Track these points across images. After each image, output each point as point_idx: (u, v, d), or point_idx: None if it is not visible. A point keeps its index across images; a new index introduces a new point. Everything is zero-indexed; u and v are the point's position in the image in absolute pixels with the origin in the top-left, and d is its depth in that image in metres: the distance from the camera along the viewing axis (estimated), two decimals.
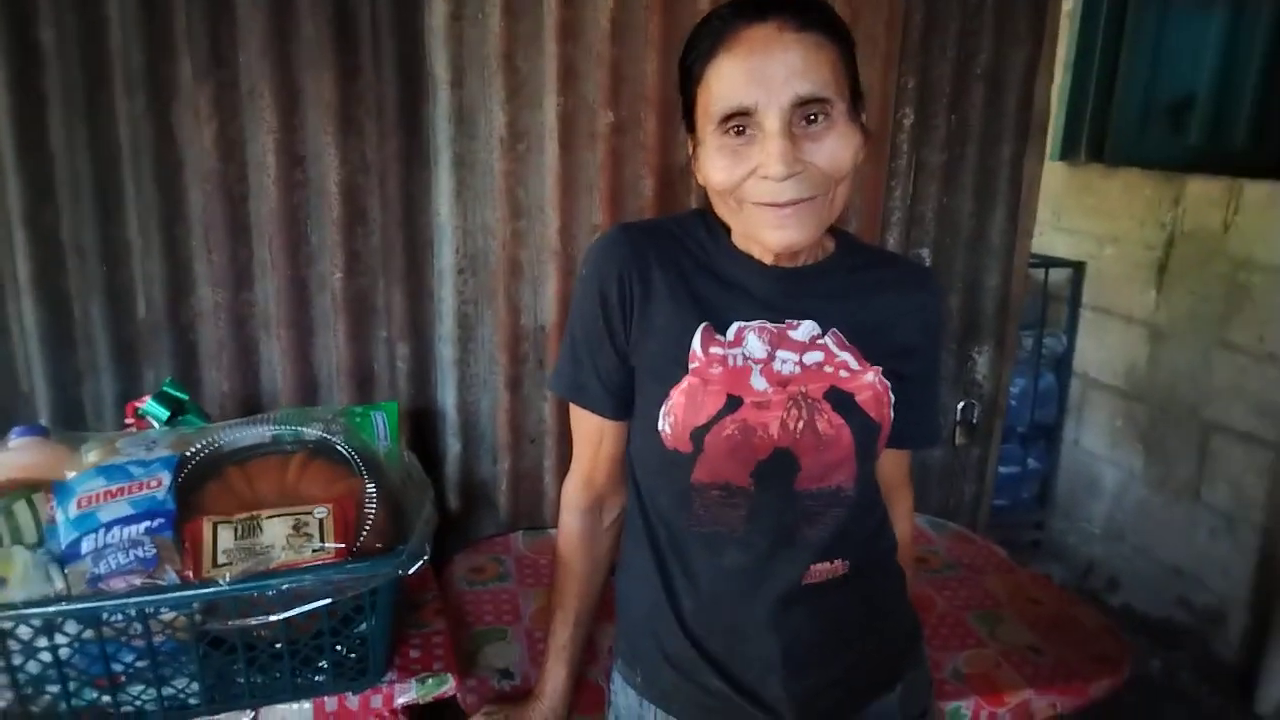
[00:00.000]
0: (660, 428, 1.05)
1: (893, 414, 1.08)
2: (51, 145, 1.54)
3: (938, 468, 2.18)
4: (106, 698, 1.09)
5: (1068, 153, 3.30)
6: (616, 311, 1.07)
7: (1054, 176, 3.22)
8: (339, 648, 1.16)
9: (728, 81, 0.94)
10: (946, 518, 2.04)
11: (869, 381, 1.06)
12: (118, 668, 1.08)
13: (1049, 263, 3.27)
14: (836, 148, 0.94)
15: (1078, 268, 3.31)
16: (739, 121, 0.94)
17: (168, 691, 1.11)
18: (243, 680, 1.13)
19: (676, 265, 1.07)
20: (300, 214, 1.67)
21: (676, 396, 1.04)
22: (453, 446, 1.82)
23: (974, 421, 2.21)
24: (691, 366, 1.04)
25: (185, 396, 1.45)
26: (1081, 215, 3.32)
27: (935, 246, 2.05)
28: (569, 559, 1.21)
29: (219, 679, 1.13)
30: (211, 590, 1.04)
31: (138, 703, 1.11)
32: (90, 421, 1.64)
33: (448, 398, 1.80)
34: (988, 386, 2.17)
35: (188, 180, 1.61)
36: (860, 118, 0.98)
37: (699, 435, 1.03)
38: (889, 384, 1.07)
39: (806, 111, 0.93)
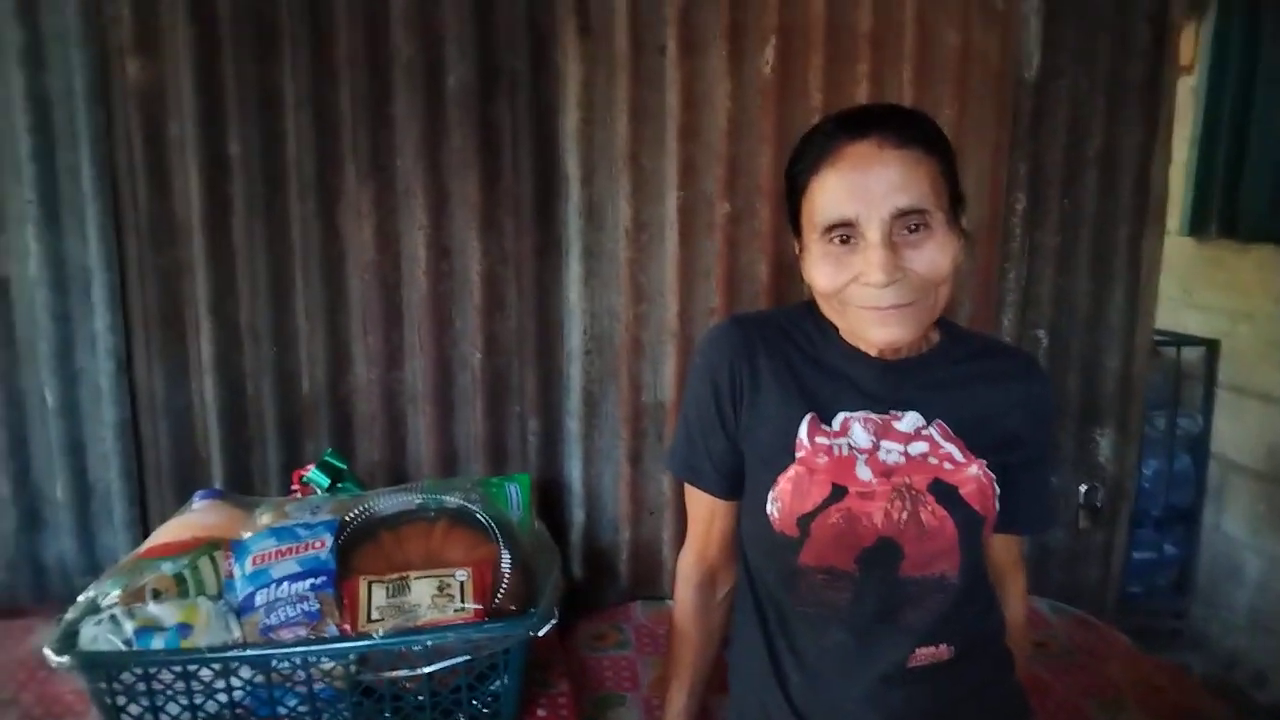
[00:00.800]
0: (768, 511, 1.10)
1: (998, 504, 1.10)
2: (235, 244, 1.76)
3: (1060, 551, 2.16)
4: None
5: (1197, 228, 3.23)
6: (727, 399, 1.14)
7: (1183, 252, 3.16)
8: (474, 703, 1.26)
9: (831, 195, 1.00)
10: (1070, 602, 2.01)
11: (973, 474, 1.08)
12: (282, 710, 1.21)
13: (1181, 341, 3.18)
14: (935, 255, 1.00)
15: (1211, 346, 3.21)
16: (842, 231, 1.00)
17: None
18: None
19: (784, 356, 1.13)
20: (446, 301, 1.84)
21: (784, 483, 1.09)
22: (577, 516, 1.93)
23: (1098, 505, 2.18)
24: (798, 455, 1.09)
25: (344, 466, 1.61)
26: (1213, 291, 3.23)
27: (1051, 328, 2.06)
28: (684, 630, 1.26)
29: None
30: (367, 643, 1.16)
31: None
32: (257, 486, 1.81)
33: (573, 470, 1.92)
34: (1111, 469, 2.15)
35: (349, 271, 1.80)
36: (960, 221, 1.04)
37: (805, 522, 1.08)
38: (994, 476, 1.09)
39: (907, 221, 0.99)
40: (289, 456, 1.83)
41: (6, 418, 1.74)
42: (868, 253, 0.98)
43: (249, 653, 1.15)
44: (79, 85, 1.67)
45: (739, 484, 1.18)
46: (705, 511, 1.22)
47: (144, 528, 1.81)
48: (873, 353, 1.10)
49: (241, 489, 1.75)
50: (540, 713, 1.36)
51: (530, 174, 1.82)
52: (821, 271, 1.03)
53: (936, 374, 1.12)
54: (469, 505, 1.39)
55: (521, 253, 1.85)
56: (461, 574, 1.26)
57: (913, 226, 0.99)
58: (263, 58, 1.72)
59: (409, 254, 1.82)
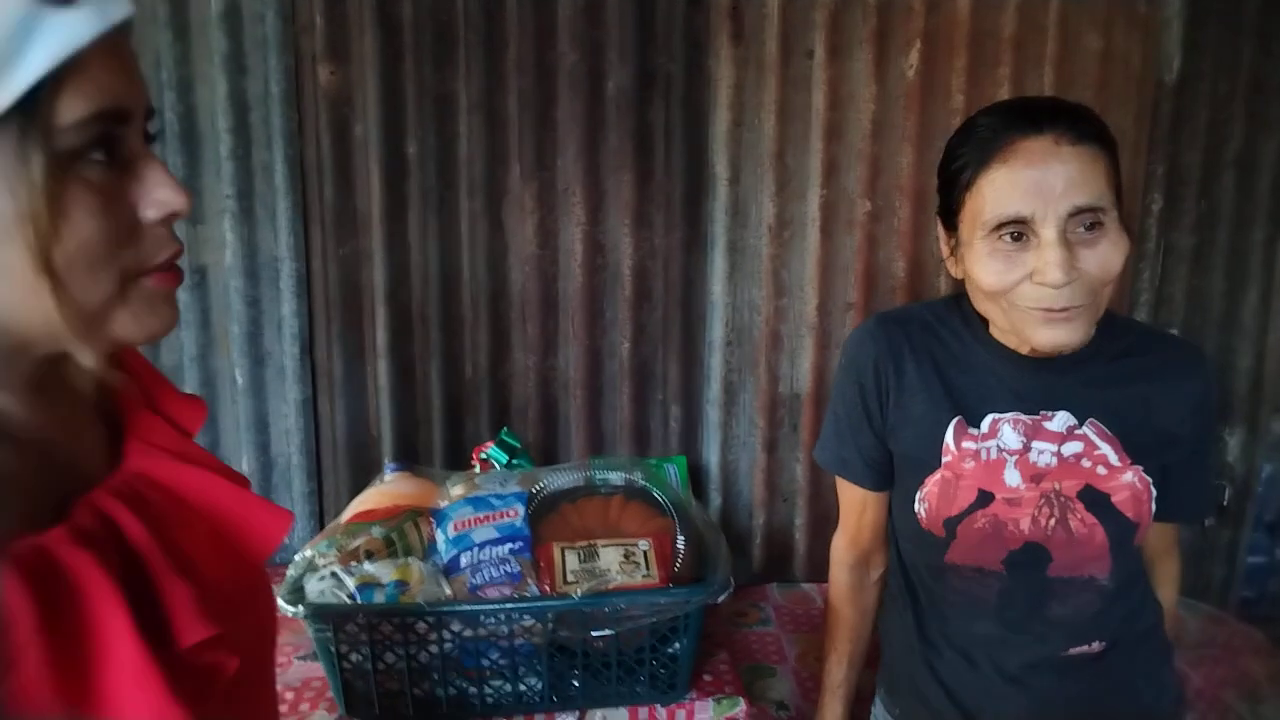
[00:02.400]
0: (916, 509, 1.14)
1: (1154, 506, 1.09)
2: (409, 236, 1.90)
3: (1185, 548, 2.18)
4: (472, 688, 1.35)
5: None
6: (874, 398, 1.15)
7: None
8: (655, 663, 1.36)
9: (1004, 191, 0.97)
10: (1193, 599, 2.03)
11: (1127, 481, 1.07)
12: (485, 663, 1.33)
13: None
14: (1109, 254, 0.96)
15: None
16: (1014, 228, 0.97)
17: (520, 688, 1.35)
18: (577, 684, 1.36)
19: (930, 355, 1.13)
20: (599, 293, 1.95)
21: (930, 485, 1.12)
22: (714, 500, 2.03)
23: (1224, 504, 2.20)
24: (944, 460, 1.10)
25: (518, 444, 1.74)
26: None
27: (1184, 327, 2.09)
28: (840, 608, 1.32)
29: (558, 681, 1.36)
30: (567, 603, 1.28)
31: (493, 695, 1.35)
32: (423, 461, 1.95)
33: (712, 456, 2.02)
34: (1239, 469, 2.16)
35: (511, 264, 1.93)
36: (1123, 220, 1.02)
37: (951, 524, 1.11)
38: (1150, 480, 1.08)
39: (1082, 220, 0.96)
40: (452, 435, 1.97)
41: (203, 395, 1.91)
42: (1044, 251, 0.95)
43: (462, 608, 1.27)
44: (275, 89, 1.82)
45: (888, 477, 1.21)
46: (856, 501, 1.25)
47: (319, 499, 1.96)
48: (1024, 350, 1.08)
49: (408, 463, 1.88)
50: (706, 677, 1.47)
51: (681, 173, 1.92)
52: (989, 269, 0.99)
53: (1091, 371, 1.08)
54: (645, 483, 1.50)
55: (670, 248, 1.95)
56: (644, 544, 1.37)
57: (1088, 224, 0.96)
58: (440, 64, 1.85)
59: (566, 248, 1.93)
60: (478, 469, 1.71)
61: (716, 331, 1.98)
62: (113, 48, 0.54)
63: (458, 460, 1.94)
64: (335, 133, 1.85)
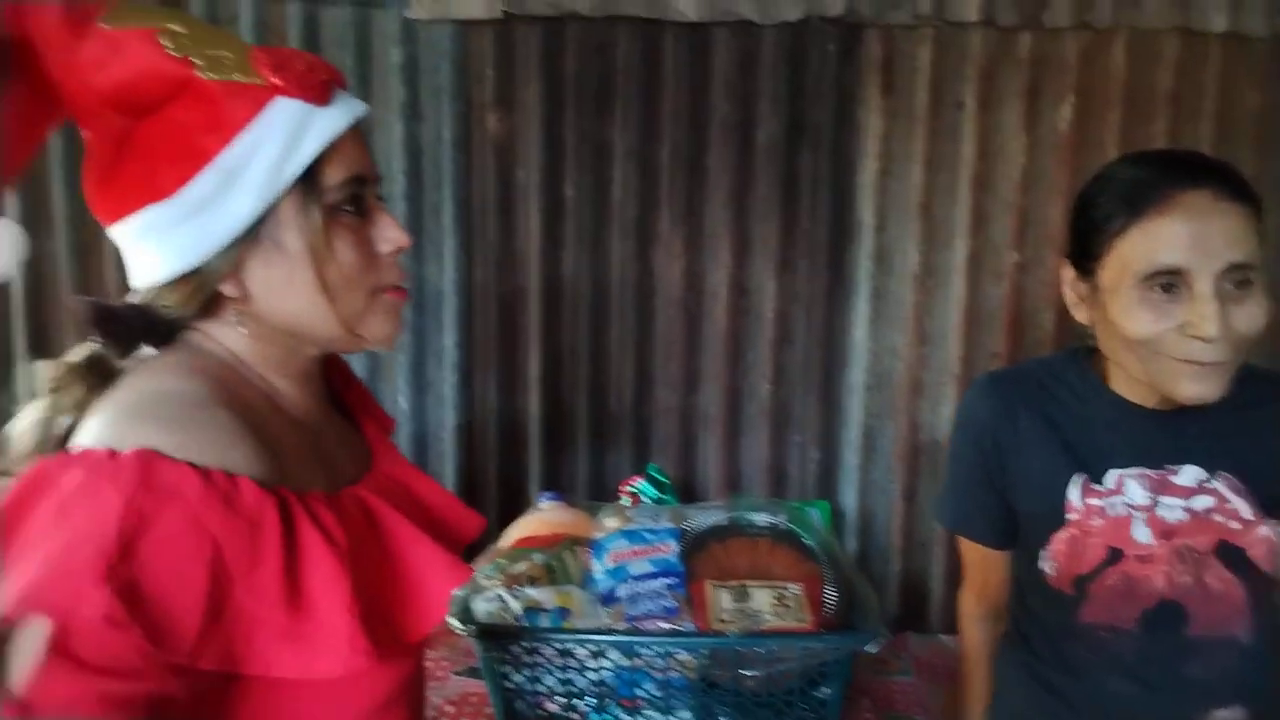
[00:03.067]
0: (1042, 567, 1.12)
1: None
2: (564, 276, 1.99)
3: None
4: (626, 717, 1.40)
5: None
6: (992, 459, 1.15)
7: None
8: (804, 706, 1.40)
9: (1162, 242, 0.96)
10: None
11: (1263, 535, 1.04)
12: (639, 692, 1.39)
13: None
14: (1256, 312, 0.96)
15: None
16: (1167, 279, 0.97)
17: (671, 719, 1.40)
18: None
19: (1046, 414, 1.12)
20: (741, 334, 2.00)
21: (1056, 544, 1.10)
22: (851, 545, 2.05)
23: None
24: (1070, 518, 1.09)
25: (666, 480, 1.80)
26: None
27: None
28: (976, 665, 1.31)
29: (707, 716, 1.40)
30: (723, 641, 1.33)
31: None
32: (566, 490, 2.03)
33: (849, 500, 2.04)
34: None
35: (657, 305, 2.00)
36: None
37: (1082, 582, 1.09)
38: None
39: (1235, 276, 0.95)
40: (596, 467, 2.04)
41: None
42: (1198, 305, 0.95)
43: (623, 638, 1.33)
44: (446, 135, 1.94)
45: (1011, 535, 1.20)
46: (981, 559, 1.25)
47: (487, 520, 2.06)
48: (1151, 403, 1.07)
49: (562, 493, 1.97)
50: None
51: (826, 221, 1.97)
52: (1138, 318, 0.99)
53: (1218, 422, 1.06)
54: (790, 525, 1.54)
55: (813, 293, 1.99)
56: (794, 588, 1.40)
57: (1239, 282, 0.96)
58: (599, 114, 1.94)
59: (711, 291, 2.00)
60: (625, 501, 1.78)
61: (857, 376, 2.00)
62: (354, 133, 0.77)
63: (600, 491, 2.01)
64: (500, 176, 1.96)
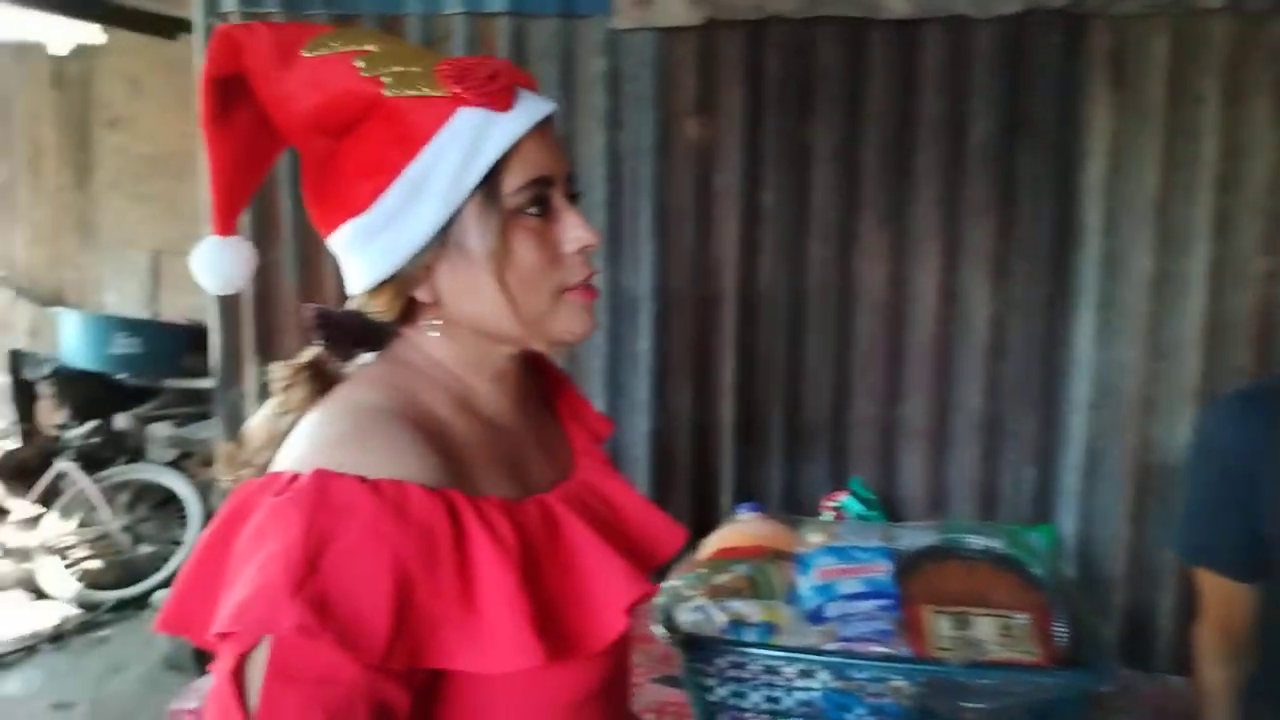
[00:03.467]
0: None
1: None
2: (760, 281, 1.96)
3: None
4: None
5: None
6: (1240, 483, 1.06)
7: None
8: None
9: None
10: None
11: None
12: (848, 717, 1.33)
13: None
14: None
15: None
16: None
17: None
18: None
19: None
20: (949, 343, 1.90)
21: None
22: (1067, 572, 1.90)
23: None
24: None
25: (873, 497, 1.73)
26: None
27: None
28: (1217, 709, 1.20)
29: None
30: (945, 669, 1.25)
31: None
32: (760, 501, 1.99)
33: (1067, 524, 1.90)
34: None
35: (859, 311, 1.93)
36: None
37: None
38: None
39: None
40: (790, 479, 1.99)
41: None
42: None
43: (834, 659, 1.28)
44: (646, 142, 1.95)
45: (1258, 567, 1.10)
46: (1219, 592, 1.15)
47: None
48: None
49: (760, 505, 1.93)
50: None
51: (1047, 224, 1.84)
52: None
53: None
54: (1011, 550, 1.44)
55: (1031, 301, 1.87)
56: (1022, 618, 1.31)
57: None
58: (801, 116, 1.90)
59: (917, 297, 1.91)
60: (828, 517, 1.72)
61: (1080, 391, 1.86)
62: (539, 134, 0.76)
63: (794, 504, 1.96)
64: (698, 182, 1.95)
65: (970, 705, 1.26)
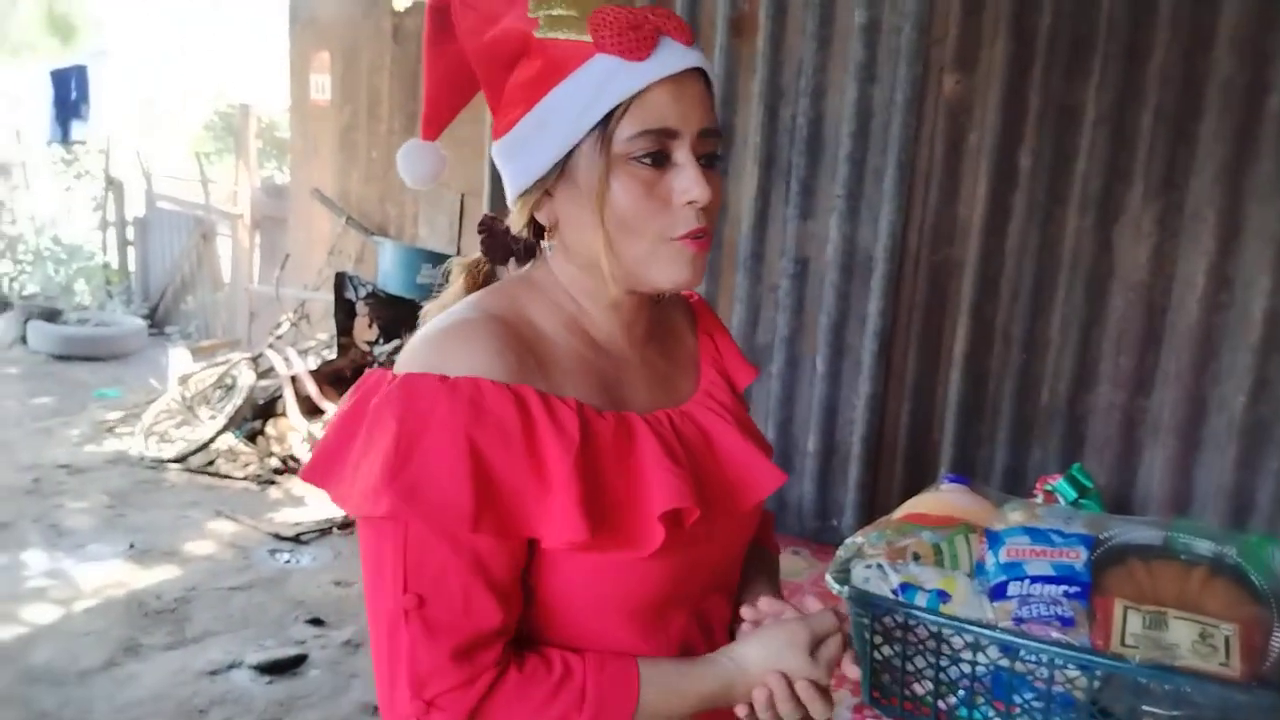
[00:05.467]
0: None
1: None
2: (1006, 250, 1.86)
3: None
4: (997, 719, 1.30)
5: None
6: None
7: None
8: None
9: None
10: None
11: None
12: (1016, 699, 1.28)
13: None
14: None
15: None
16: None
17: None
18: None
19: None
20: (1215, 334, 1.72)
21: None
22: None
23: None
24: None
25: (1090, 484, 1.62)
26: None
27: None
28: None
29: None
30: (1120, 665, 1.17)
31: None
32: (979, 478, 1.91)
33: None
34: None
35: (1113, 289, 1.79)
36: None
37: None
38: None
39: None
40: (1014, 460, 1.90)
41: (784, 375, 2.09)
42: None
43: (1004, 636, 1.24)
44: (899, 97, 1.90)
45: None
46: None
47: (873, 490, 2.03)
48: None
49: (967, 477, 1.86)
50: None
51: None
52: None
53: None
54: (1238, 559, 1.30)
55: None
56: (1228, 628, 1.19)
57: None
58: (1070, 74, 1.77)
59: (1184, 279, 1.73)
60: (1039, 499, 1.63)
61: None
62: (673, 86, 0.79)
63: (1015, 486, 1.86)
64: (949, 141, 1.88)
65: (1150, 709, 1.18)
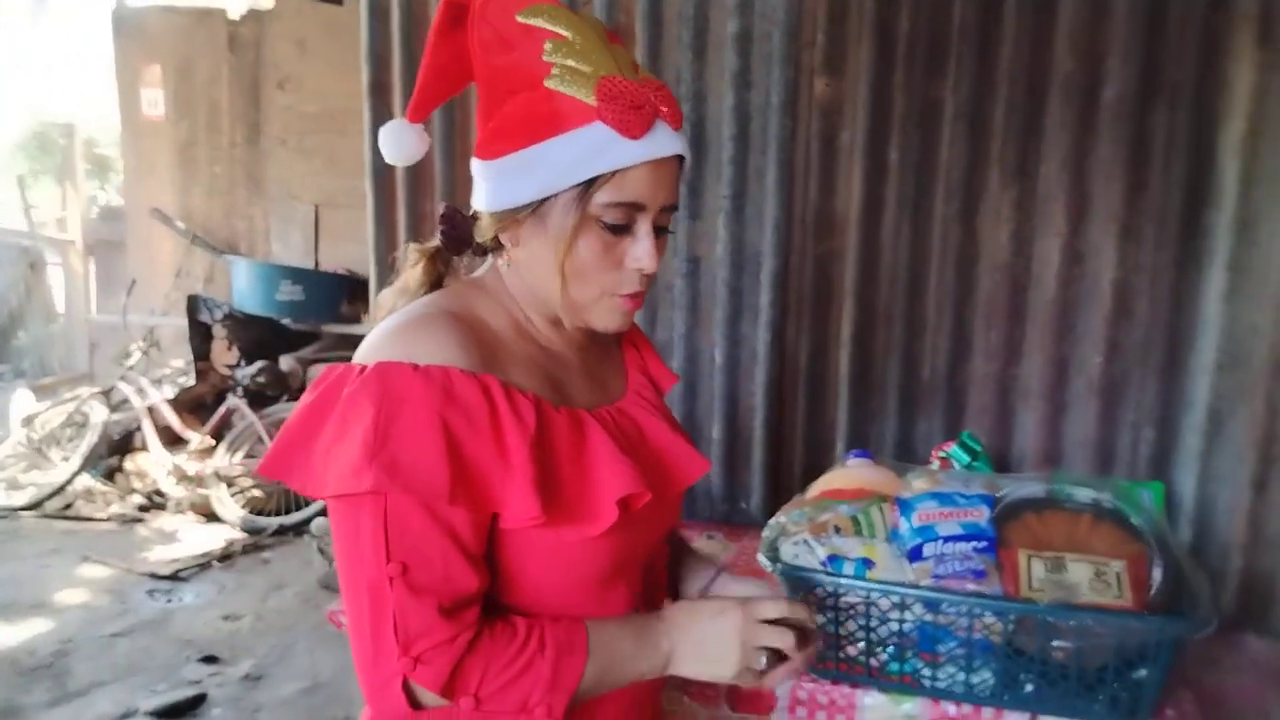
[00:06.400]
0: None
1: None
2: (882, 238, 2.01)
3: None
4: (926, 670, 1.43)
5: None
6: None
7: None
8: (1117, 685, 1.34)
9: None
10: None
11: None
12: (940, 649, 1.41)
13: None
14: None
15: None
16: None
17: (972, 679, 1.41)
18: (1031, 688, 1.38)
19: None
20: (1072, 305, 1.91)
21: None
22: (1184, 533, 1.90)
23: None
24: None
25: (979, 448, 1.78)
26: None
27: None
28: None
29: (1011, 681, 1.39)
30: (1034, 608, 1.31)
31: (944, 682, 1.42)
32: (873, 451, 2.06)
33: (1185, 486, 1.89)
34: None
35: (980, 270, 1.96)
36: None
37: None
38: None
39: None
40: (903, 432, 2.05)
41: (684, 370, 2.18)
42: None
43: (927, 593, 1.36)
44: (774, 100, 2.02)
45: None
46: None
47: (776, 472, 2.15)
48: None
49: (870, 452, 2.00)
50: (1170, 712, 1.41)
51: (1180, 185, 1.82)
52: None
53: None
54: (1117, 504, 1.47)
55: (1159, 263, 1.85)
56: (1117, 565, 1.35)
57: None
58: (929, 74, 1.93)
59: (1041, 257, 1.92)
60: (937, 466, 1.78)
61: (1206, 354, 1.84)
62: (654, 166, 0.88)
63: (906, 455, 2.02)
64: (824, 140, 2.01)
65: (1058, 644, 1.32)
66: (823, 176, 2.02)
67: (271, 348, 5.11)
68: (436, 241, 1.01)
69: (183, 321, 5.18)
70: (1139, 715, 1.36)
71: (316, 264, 5.81)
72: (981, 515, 1.45)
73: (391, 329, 0.89)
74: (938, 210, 1.97)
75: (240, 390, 4.78)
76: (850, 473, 1.69)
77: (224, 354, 5.24)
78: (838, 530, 1.51)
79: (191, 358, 5.20)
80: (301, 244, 5.92)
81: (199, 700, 3.01)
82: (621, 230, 0.90)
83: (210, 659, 3.26)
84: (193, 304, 5.13)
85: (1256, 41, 1.74)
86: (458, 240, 1.00)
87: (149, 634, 3.45)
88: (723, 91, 2.06)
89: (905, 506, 1.52)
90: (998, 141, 1.91)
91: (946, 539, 1.43)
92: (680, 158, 0.92)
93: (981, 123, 1.91)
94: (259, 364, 4.90)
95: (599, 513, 0.90)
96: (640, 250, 0.91)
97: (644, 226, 0.91)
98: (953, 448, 1.78)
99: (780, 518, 1.57)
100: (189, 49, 6.00)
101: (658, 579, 1.10)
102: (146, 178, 6.21)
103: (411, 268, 1.00)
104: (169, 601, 3.74)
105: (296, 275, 5.21)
